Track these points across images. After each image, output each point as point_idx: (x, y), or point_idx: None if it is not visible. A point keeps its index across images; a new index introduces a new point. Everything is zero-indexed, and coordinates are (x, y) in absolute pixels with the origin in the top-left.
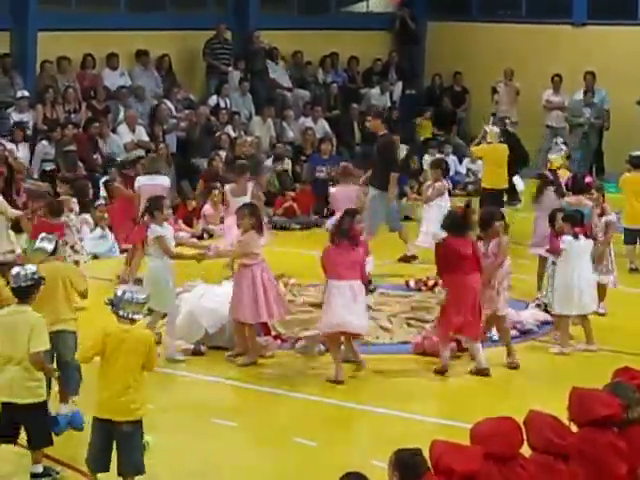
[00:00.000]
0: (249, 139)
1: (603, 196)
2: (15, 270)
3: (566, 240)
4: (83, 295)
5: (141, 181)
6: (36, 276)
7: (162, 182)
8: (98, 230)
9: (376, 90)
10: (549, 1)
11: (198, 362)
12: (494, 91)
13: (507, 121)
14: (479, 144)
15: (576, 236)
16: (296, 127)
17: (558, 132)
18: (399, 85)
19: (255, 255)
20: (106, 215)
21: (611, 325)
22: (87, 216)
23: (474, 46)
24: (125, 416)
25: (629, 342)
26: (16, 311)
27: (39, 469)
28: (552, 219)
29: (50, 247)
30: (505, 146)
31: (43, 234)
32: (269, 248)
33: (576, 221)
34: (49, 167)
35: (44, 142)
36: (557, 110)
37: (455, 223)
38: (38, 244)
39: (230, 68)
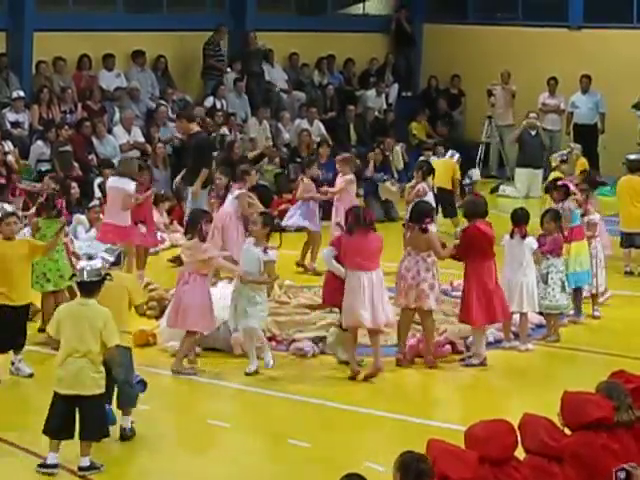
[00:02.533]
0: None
1: (587, 197)
2: (80, 265)
3: (504, 239)
4: (138, 310)
5: (110, 182)
6: (101, 272)
7: (125, 186)
8: (93, 231)
9: (372, 92)
10: (545, 4)
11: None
12: (490, 94)
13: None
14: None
15: (512, 235)
16: (292, 129)
17: (554, 135)
18: (395, 87)
19: (196, 264)
20: (101, 216)
21: (606, 328)
22: (82, 217)
23: (470, 49)
24: None
25: (624, 345)
26: (81, 303)
27: (86, 462)
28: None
29: (111, 258)
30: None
31: (107, 246)
32: None
33: (516, 220)
34: (45, 167)
35: (39, 142)
36: (553, 113)
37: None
38: (99, 255)
39: (227, 69)
